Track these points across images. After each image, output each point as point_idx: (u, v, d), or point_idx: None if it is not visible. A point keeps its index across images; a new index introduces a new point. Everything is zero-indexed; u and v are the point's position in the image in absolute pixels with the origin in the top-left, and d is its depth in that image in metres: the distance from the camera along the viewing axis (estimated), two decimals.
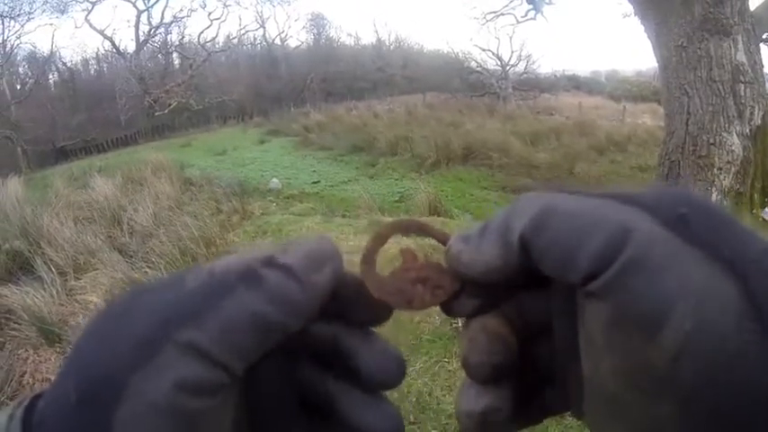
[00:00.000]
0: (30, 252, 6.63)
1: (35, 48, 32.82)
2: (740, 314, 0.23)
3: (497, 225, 0.31)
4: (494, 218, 0.31)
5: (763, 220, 5.75)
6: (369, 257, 0.35)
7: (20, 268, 6.52)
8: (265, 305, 0.27)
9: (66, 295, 5.68)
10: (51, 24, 45.65)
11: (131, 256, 6.44)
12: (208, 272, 0.29)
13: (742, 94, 5.61)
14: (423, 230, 0.37)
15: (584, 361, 0.29)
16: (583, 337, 0.29)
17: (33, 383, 4.44)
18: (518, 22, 30.59)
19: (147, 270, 5.68)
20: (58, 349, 4.78)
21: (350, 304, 0.33)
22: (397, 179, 13.09)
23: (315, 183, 13.03)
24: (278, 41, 44.58)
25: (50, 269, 5.95)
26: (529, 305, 0.34)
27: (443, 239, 0.35)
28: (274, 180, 12.45)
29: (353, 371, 0.32)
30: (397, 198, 10.97)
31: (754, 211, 5.82)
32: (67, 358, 0.26)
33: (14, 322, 5.16)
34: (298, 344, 0.31)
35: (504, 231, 0.30)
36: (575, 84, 42.83)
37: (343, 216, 8.73)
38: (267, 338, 0.28)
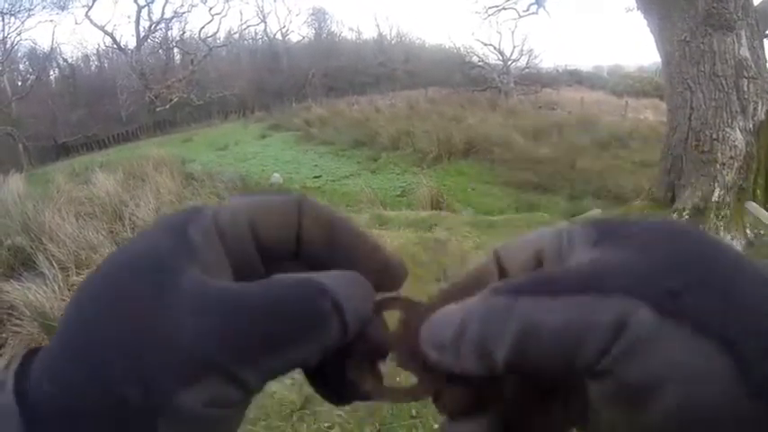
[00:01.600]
0: (31, 248, 6.62)
1: (35, 44, 32.82)
2: (735, 392, 0.23)
3: (474, 345, 0.27)
4: (465, 329, 0.27)
5: (748, 211, 5.75)
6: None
7: (21, 264, 6.51)
8: (314, 355, 0.27)
9: (69, 291, 5.66)
10: (51, 21, 45.66)
11: None
12: (215, 228, 0.29)
13: (745, 89, 5.60)
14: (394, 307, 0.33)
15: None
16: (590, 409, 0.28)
17: None
18: (520, 17, 30.53)
19: None
20: None
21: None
22: (398, 174, 13.09)
23: (316, 177, 13.03)
24: (279, 36, 44.57)
25: (52, 265, 5.94)
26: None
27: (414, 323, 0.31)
28: (276, 175, 12.46)
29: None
30: (398, 192, 10.97)
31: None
32: (72, 320, 0.25)
33: (17, 318, 5.16)
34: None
35: (483, 353, 0.27)
36: (577, 78, 42.85)
37: (346, 210, 8.73)
38: (319, 347, 0.27)
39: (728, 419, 0.23)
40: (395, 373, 0.34)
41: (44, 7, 29.47)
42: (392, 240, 6.27)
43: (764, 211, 5.75)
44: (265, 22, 42.95)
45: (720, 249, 0.26)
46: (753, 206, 5.48)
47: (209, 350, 0.23)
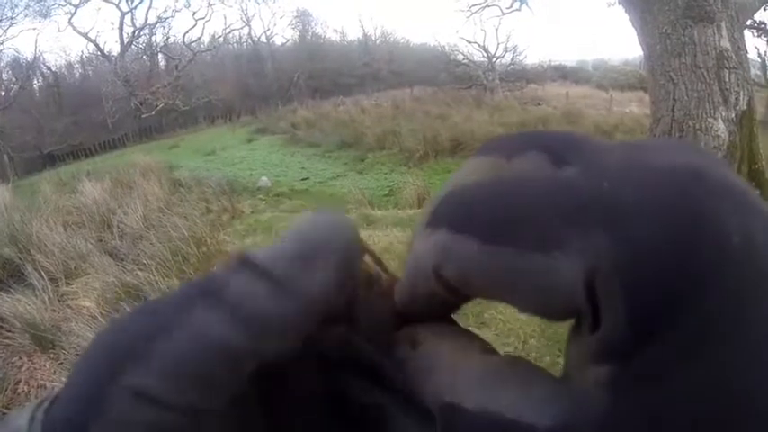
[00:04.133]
0: (20, 259, 6.59)
1: (18, 53, 32.44)
2: None
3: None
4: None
5: None
6: None
7: (10, 276, 6.48)
8: (226, 327, 0.20)
9: (59, 301, 5.66)
10: (34, 29, 45.22)
11: (122, 259, 6.42)
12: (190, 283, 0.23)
13: (727, 79, 5.64)
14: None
15: None
16: None
17: (29, 391, 4.43)
18: (503, 14, 30.61)
19: (139, 273, 5.66)
20: (52, 356, 4.77)
21: (370, 312, 0.26)
22: (385, 173, 13.10)
23: (304, 179, 13.02)
24: (263, 39, 44.34)
25: (41, 275, 5.93)
26: None
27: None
28: (263, 178, 12.43)
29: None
30: (386, 192, 10.97)
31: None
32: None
33: (7, 330, 5.15)
34: (335, 350, 0.25)
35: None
36: (561, 74, 42.88)
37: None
38: (237, 368, 0.21)
39: None
40: None
41: (26, 15, 29.26)
42: (380, 240, 6.29)
43: None
44: (249, 26, 42.82)
45: None
46: None
47: (101, 374, 0.20)
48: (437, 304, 0.24)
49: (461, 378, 0.21)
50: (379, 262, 0.27)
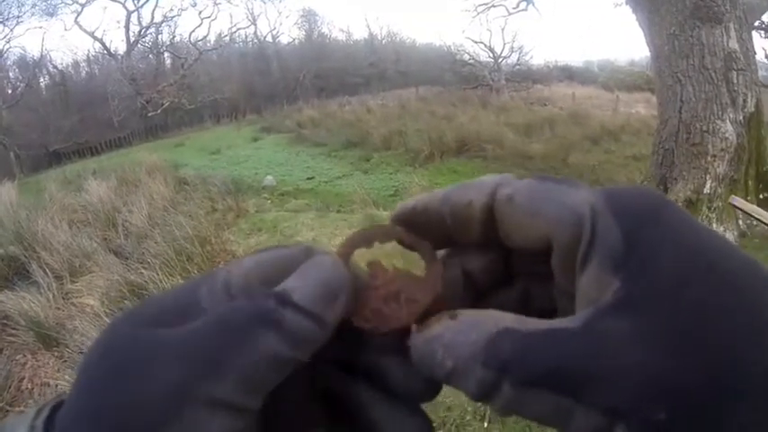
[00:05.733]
0: (25, 257, 6.60)
1: (25, 51, 32.57)
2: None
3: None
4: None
5: (733, 206, 5.77)
6: None
7: (15, 273, 6.49)
8: (284, 348, 0.27)
9: (63, 299, 5.66)
10: (41, 27, 45.47)
11: (127, 258, 6.42)
12: (223, 286, 0.29)
13: (735, 81, 5.62)
14: (387, 237, 0.35)
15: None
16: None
17: (32, 388, 4.43)
18: (510, 14, 30.53)
19: (143, 271, 5.66)
20: (56, 353, 4.77)
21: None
22: (391, 173, 13.07)
23: (309, 179, 13.01)
24: (269, 38, 44.42)
25: (46, 273, 5.93)
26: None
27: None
28: (269, 177, 12.43)
29: (383, 383, 0.32)
30: (391, 192, 10.96)
31: (749, 197, 5.83)
32: (81, 388, 0.26)
33: (11, 328, 5.16)
34: (317, 354, 0.30)
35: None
36: (567, 74, 42.83)
37: (338, 211, 8.74)
38: (282, 373, 0.28)
39: None
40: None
41: (33, 14, 29.45)
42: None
43: (750, 205, 5.78)
44: (255, 25, 43.02)
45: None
46: (738, 200, 5.51)
47: (180, 384, 0.25)
48: None
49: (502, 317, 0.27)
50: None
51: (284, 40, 47.21)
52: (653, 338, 0.23)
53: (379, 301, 0.32)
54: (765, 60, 19.89)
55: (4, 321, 5.27)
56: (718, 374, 0.22)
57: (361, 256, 0.33)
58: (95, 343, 0.28)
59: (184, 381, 0.25)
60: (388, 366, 0.32)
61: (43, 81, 33.38)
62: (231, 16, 67.90)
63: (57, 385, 4.30)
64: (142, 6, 33.04)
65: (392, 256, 0.34)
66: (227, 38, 39.85)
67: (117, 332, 0.28)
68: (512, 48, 34.44)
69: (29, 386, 4.45)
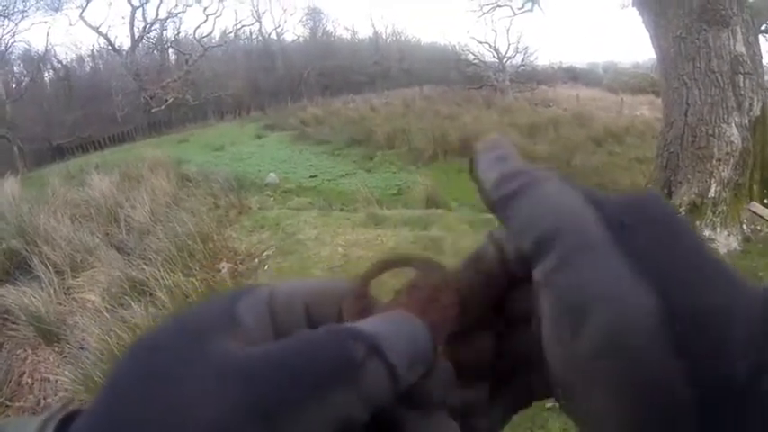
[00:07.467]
0: (27, 251, 6.60)
1: (29, 46, 32.60)
2: (655, 333, 0.23)
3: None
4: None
5: (752, 212, 5.75)
6: (362, 303, 0.32)
7: (17, 268, 6.50)
8: (357, 409, 0.24)
9: (64, 294, 5.66)
10: (45, 22, 45.40)
11: (129, 254, 6.42)
12: (266, 305, 0.28)
13: (741, 85, 5.59)
14: (409, 264, 0.34)
15: (544, 347, 0.29)
16: (541, 325, 0.29)
17: (32, 383, 4.43)
18: (515, 14, 30.56)
19: (145, 267, 5.65)
20: (56, 348, 4.77)
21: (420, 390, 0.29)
22: (394, 172, 13.09)
23: (312, 177, 13.02)
24: (274, 36, 44.45)
25: (48, 268, 5.93)
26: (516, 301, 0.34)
27: (430, 270, 0.33)
28: (272, 174, 12.44)
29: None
30: (395, 191, 10.97)
31: (754, 202, 5.81)
32: (114, 401, 0.24)
33: (12, 322, 5.16)
34: None
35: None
36: (572, 76, 42.85)
37: (341, 210, 8.73)
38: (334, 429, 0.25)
39: (649, 362, 0.23)
40: None
41: (38, 9, 29.28)
42: (388, 240, 6.26)
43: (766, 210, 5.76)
44: (260, 22, 42.90)
45: (683, 224, 0.28)
46: (756, 206, 5.50)
47: (234, 420, 0.22)
48: None
49: None
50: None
51: (289, 37, 47.45)
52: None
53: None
54: None
55: (5, 316, 5.28)
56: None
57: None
58: (131, 355, 0.26)
59: (243, 417, 0.22)
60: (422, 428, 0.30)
61: (47, 76, 33.49)
62: (236, 13, 67.79)
63: (56, 381, 4.30)
64: (147, 2, 32.97)
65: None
66: (232, 35, 39.95)
67: (157, 343, 0.26)
68: (516, 48, 34.49)
69: (29, 381, 4.45)
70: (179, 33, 36.20)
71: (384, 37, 50.46)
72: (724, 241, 5.51)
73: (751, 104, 5.66)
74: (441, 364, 0.30)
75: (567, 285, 0.26)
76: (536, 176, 0.30)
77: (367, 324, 0.27)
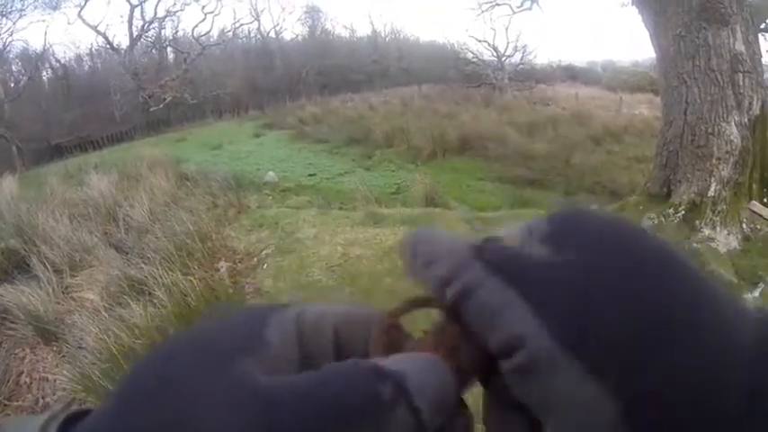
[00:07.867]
0: (25, 250, 6.58)
1: (28, 45, 32.60)
2: None
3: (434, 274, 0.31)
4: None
5: (751, 211, 5.74)
6: (391, 337, 0.32)
7: (15, 267, 6.48)
8: None
9: (63, 293, 5.65)
10: (44, 21, 45.52)
11: (127, 253, 6.40)
12: (295, 328, 0.29)
13: (741, 83, 5.59)
14: (428, 304, 0.33)
15: None
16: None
17: (30, 383, 4.42)
18: (514, 13, 30.46)
19: (144, 266, 5.64)
20: (54, 348, 4.76)
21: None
22: (393, 171, 13.08)
23: (311, 175, 13.01)
24: (273, 34, 44.39)
25: (46, 267, 5.92)
26: None
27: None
28: (270, 173, 12.42)
29: None
30: (393, 189, 10.97)
31: (753, 201, 5.81)
32: (111, 425, 0.24)
33: (10, 321, 5.15)
34: None
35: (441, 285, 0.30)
36: (571, 74, 42.82)
37: (340, 208, 8.71)
38: None
39: None
40: None
41: (36, 7, 29.25)
42: (386, 238, 6.25)
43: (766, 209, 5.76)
44: (259, 21, 42.90)
45: (670, 288, 0.26)
46: (756, 205, 5.49)
47: None
48: None
49: None
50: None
51: (287, 36, 47.46)
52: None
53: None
54: None
55: (4, 315, 5.27)
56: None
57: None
58: (146, 363, 0.26)
59: None
60: None
61: (46, 75, 33.44)
62: (234, 12, 68.02)
63: (55, 380, 4.29)
64: (145, 1, 32.99)
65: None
66: (231, 33, 39.88)
67: (177, 355, 0.26)
68: (515, 47, 34.46)
69: (27, 380, 4.44)
70: (177, 32, 36.16)
71: (383, 35, 50.49)
72: (724, 240, 5.51)
73: (750, 103, 5.66)
74: (463, 411, 0.30)
75: (526, 392, 0.26)
76: (475, 279, 0.28)
77: (395, 363, 0.27)
